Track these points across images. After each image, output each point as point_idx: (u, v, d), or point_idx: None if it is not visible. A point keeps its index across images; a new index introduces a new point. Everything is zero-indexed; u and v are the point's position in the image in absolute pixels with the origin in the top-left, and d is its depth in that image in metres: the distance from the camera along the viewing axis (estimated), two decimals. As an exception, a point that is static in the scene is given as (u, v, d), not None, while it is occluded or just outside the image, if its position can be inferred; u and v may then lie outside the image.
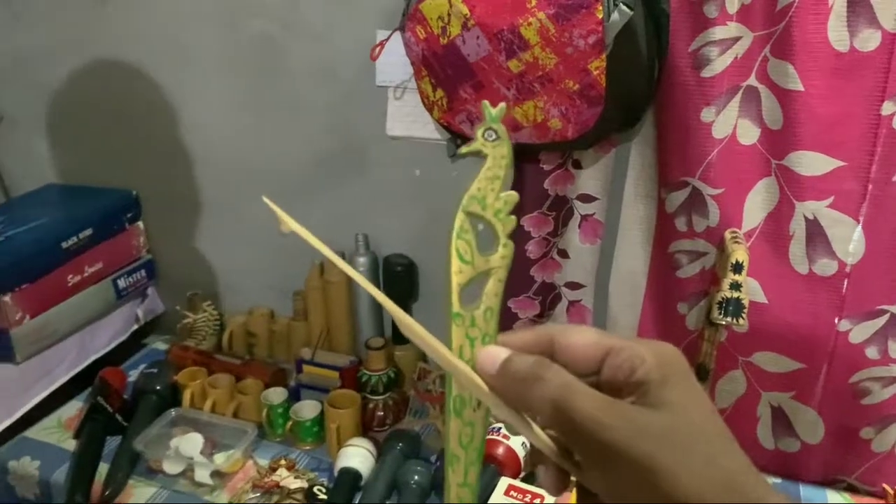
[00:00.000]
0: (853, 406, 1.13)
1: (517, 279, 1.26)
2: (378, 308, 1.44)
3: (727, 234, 1.07)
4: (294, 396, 1.34)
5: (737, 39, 1.01)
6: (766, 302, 1.09)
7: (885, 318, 1.07)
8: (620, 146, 1.17)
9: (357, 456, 1.17)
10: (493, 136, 0.39)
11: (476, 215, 0.39)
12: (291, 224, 0.37)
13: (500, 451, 1.12)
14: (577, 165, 1.19)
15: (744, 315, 0.99)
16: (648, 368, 0.34)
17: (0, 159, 1.69)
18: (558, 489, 0.38)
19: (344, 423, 1.23)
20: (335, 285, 1.40)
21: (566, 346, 0.37)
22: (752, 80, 1.03)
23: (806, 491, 1.18)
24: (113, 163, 1.59)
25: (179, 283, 1.61)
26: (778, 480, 1.20)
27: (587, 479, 0.36)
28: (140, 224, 1.57)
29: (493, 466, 1.10)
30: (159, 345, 1.60)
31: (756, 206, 1.09)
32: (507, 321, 1.19)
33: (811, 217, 1.05)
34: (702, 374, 1.09)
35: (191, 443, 1.21)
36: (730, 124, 1.05)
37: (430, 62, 1.06)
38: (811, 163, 1.02)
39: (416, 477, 1.13)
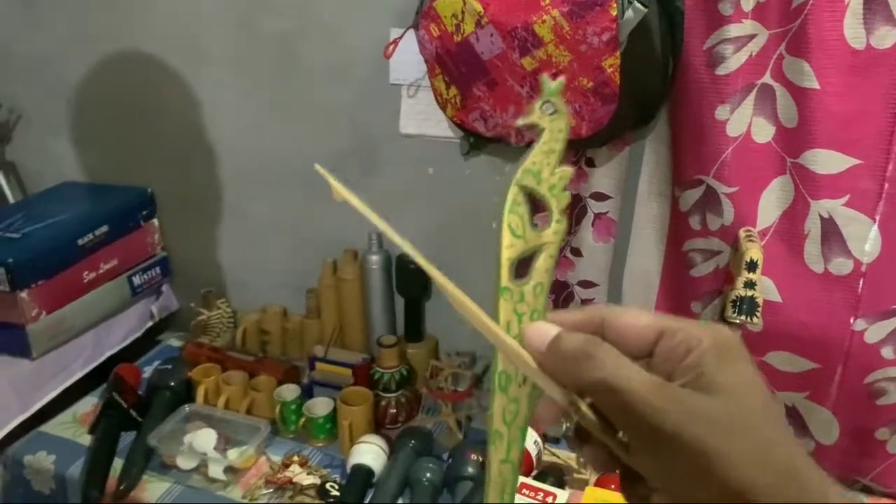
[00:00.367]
0: (868, 406, 1.12)
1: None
2: (391, 305, 1.44)
3: (741, 233, 1.06)
4: (307, 393, 1.34)
5: (752, 37, 1.00)
6: (781, 301, 1.09)
7: (902, 317, 1.07)
8: (634, 144, 1.16)
9: (369, 453, 1.18)
10: (551, 110, 0.38)
11: (530, 189, 0.38)
12: (343, 192, 0.37)
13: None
14: (591, 163, 1.19)
15: (758, 314, 0.98)
16: (704, 350, 0.33)
17: (18, 157, 1.71)
18: (605, 467, 0.38)
19: (356, 420, 1.24)
20: (348, 283, 1.41)
21: (618, 326, 0.36)
22: (767, 78, 1.02)
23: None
24: (128, 161, 1.61)
25: (194, 280, 1.62)
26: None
27: (636, 463, 0.35)
28: (155, 222, 1.58)
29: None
30: (173, 341, 1.61)
31: (771, 204, 1.08)
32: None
33: (826, 216, 1.04)
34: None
35: (204, 438, 1.22)
36: (744, 122, 1.05)
37: (444, 60, 1.06)
38: (826, 161, 1.01)
39: (428, 474, 1.13)
